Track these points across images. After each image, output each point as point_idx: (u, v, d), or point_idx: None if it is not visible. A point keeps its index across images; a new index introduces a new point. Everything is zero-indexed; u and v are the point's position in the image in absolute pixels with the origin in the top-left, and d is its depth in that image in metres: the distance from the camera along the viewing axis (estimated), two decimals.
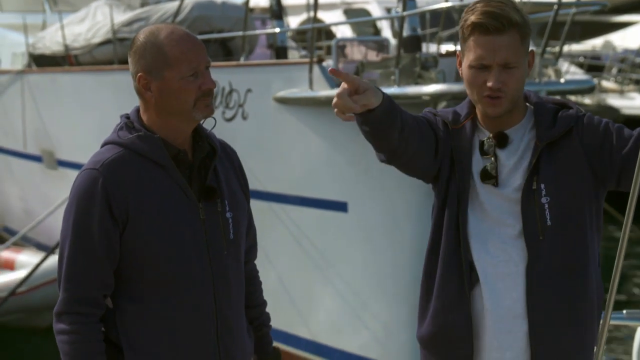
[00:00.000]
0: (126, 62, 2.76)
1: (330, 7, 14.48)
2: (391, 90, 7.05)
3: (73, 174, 3.32)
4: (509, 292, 2.76)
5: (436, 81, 6.80)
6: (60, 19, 11.08)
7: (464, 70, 2.72)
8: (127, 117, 2.74)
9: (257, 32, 8.98)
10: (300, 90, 7.76)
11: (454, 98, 6.50)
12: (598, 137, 2.72)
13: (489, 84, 2.65)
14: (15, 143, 12.53)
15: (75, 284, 2.63)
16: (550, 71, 6.64)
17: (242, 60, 8.60)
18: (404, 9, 6.70)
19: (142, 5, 13.00)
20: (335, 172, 7.73)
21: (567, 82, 6.84)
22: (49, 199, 11.22)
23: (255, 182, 8.48)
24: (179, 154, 2.69)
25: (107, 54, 10.35)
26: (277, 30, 8.49)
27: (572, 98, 10.24)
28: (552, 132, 2.73)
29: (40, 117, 11.81)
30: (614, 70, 18.89)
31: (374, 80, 7.43)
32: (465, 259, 2.77)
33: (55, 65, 11.38)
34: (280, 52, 9.34)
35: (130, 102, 2.91)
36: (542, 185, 2.72)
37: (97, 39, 10.55)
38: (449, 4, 7.01)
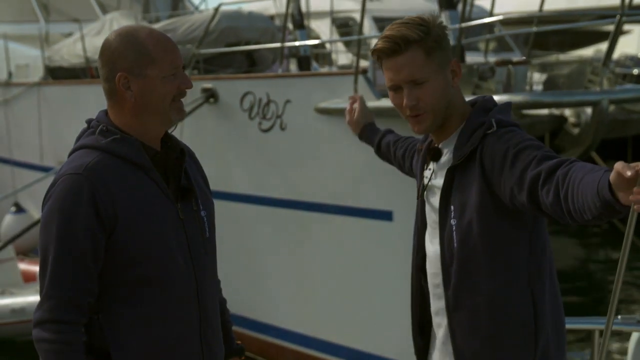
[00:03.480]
0: None
1: (319, 15, 14.52)
2: None
3: None
4: (436, 288, 2.84)
5: (495, 92, 6.73)
6: (81, 30, 11.03)
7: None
8: (97, 121, 2.70)
9: (296, 43, 8.96)
10: (344, 101, 7.75)
11: (516, 108, 6.52)
12: (496, 165, 2.61)
13: (404, 102, 2.70)
14: (31, 155, 12.43)
15: (61, 290, 2.54)
16: (605, 81, 6.70)
17: (280, 72, 8.62)
18: (462, 21, 6.75)
19: (144, 18, 12.98)
20: (380, 181, 7.70)
21: (623, 90, 6.89)
22: None
23: (292, 191, 8.50)
24: (156, 155, 2.68)
25: None
26: (317, 41, 8.51)
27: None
28: (460, 153, 2.70)
29: (57, 129, 11.72)
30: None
31: None
32: (418, 245, 2.92)
33: (74, 78, 11.31)
34: (303, 62, 9.37)
35: None
36: (452, 207, 2.72)
37: None
38: (499, 17, 7.07)
